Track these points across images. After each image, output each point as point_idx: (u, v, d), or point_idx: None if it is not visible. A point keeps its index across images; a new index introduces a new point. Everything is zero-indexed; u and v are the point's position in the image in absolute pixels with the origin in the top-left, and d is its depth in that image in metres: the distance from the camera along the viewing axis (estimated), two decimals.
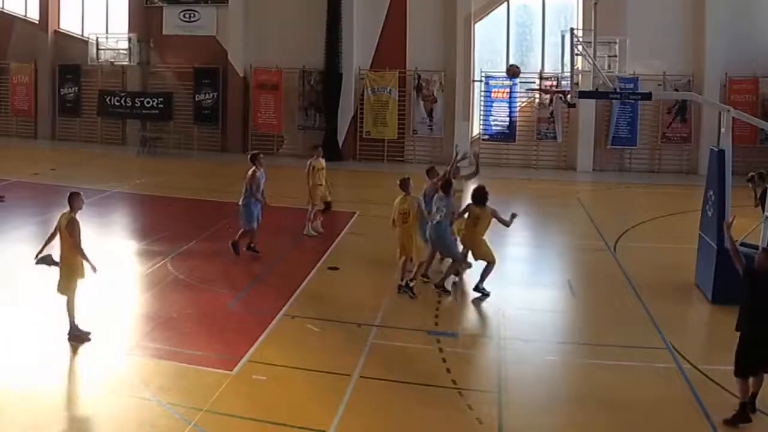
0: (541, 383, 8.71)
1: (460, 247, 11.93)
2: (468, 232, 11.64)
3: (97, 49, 27.72)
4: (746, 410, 7.47)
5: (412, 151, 26.07)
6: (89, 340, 9.17)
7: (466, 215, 11.73)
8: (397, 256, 11.54)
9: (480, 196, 11.59)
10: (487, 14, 25.81)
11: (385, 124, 25.83)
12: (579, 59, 14.65)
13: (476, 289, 11.48)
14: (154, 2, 27.93)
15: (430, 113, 25.69)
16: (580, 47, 14.16)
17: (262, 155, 13.46)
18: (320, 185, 14.83)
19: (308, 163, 14.92)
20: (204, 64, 27.26)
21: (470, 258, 12.05)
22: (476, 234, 11.52)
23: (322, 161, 15.03)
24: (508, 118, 25.27)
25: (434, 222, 11.55)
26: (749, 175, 13.40)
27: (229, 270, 12.64)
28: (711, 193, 11.63)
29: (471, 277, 12.05)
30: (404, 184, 11.50)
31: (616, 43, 21.53)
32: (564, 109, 23.96)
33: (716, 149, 11.63)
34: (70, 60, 28.96)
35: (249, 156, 13.52)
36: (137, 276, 12.27)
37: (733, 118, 11.54)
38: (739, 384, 7.56)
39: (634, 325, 10.32)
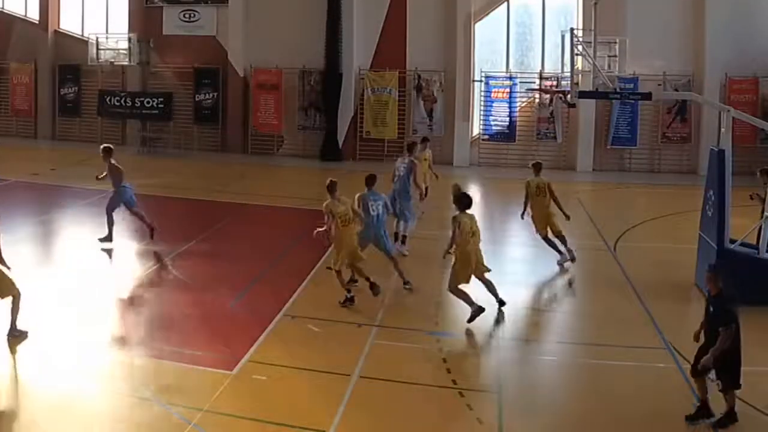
0: (541, 383, 8.72)
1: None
2: (471, 247, 10.09)
3: (97, 49, 27.61)
4: (709, 408, 7.41)
5: None
6: (26, 338, 9.04)
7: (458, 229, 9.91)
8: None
9: (464, 199, 10.24)
10: (487, 14, 25.76)
11: (385, 124, 25.78)
12: (579, 59, 14.65)
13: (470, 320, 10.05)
14: (154, 2, 27.89)
15: (430, 113, 25.65)
16: (580, 47, 14.18)
17: (108, 148, 14.16)
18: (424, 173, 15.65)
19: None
20: (204, 64, 27.24)
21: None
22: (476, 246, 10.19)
23: (427, 153, 16.23)
24: (508, 118, 25.23)
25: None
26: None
27: (228, 270, 12.63)
28: (711, 193, 11.62)
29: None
30: (331, 188, 10.74)
31: (616, 43, 21.48)
32: (564, 109, 23.93)
33: (716, 149, 11.61)
34: (70, 60, 28.91)
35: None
36: (137, 276, 12.26)
37: (733, 118, 11.54)
38: (698, 383, 7.53)
39: (634, 325, 10.31)
